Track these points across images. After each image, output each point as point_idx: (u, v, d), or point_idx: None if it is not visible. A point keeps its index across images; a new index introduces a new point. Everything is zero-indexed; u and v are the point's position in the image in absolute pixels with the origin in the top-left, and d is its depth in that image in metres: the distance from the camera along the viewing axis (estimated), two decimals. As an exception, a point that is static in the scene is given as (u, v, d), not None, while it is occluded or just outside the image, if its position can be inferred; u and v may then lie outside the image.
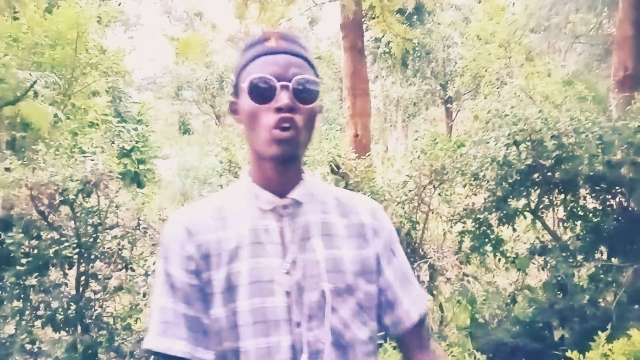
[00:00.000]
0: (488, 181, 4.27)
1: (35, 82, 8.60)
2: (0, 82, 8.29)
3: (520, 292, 4.42)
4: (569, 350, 2.99)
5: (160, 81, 25.24)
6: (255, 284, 0.99)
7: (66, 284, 3.72)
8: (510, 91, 10.55)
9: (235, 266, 1.00)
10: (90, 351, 3.57)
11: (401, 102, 19.53)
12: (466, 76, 16.66)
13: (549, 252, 4.27)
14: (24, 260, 3.52)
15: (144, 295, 3.72)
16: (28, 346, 3.55)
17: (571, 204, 4.36)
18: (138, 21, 28.63)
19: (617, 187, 4.17)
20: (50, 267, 3.70)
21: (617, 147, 3.98)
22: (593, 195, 4.33)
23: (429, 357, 1.16)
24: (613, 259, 4.24)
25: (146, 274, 3.77)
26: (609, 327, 3.29)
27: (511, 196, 4.26)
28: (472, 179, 4.41)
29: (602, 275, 4.10)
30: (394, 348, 3.32)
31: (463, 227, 4.58)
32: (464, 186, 4.57)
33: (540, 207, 4.39)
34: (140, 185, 14.73)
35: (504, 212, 4.32)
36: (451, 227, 4.72)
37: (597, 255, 4.28)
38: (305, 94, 1.00)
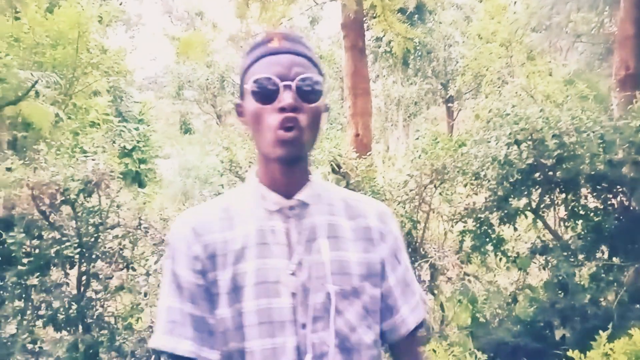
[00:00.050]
0: (489, 180, 4.27)
1: (36, 82, 8.61)
2: (2, 82, 8.31)
3: (522, 292, 4.42)
4: (570, 350, 2.99)
5: (162, 81, 25.27)
6: (261, 284, 0.99)
7: (67, 284, 3.73)
8: (512, 90, 10.55)
9: (241, 267, 1.00)
10: (91, 351, 3.57)
11: (402, 101, 19.53)
12: (467, 75, 16.64)
13: (550, 251, 4.27)
14: (25, 260, 3.53)
15: (145, 294, 3.72)
16: (29, 346, 3.56)
17: (572, 203, 4.36)
18: (139, 21, 28.64)
19: (618, 187, 4.17)
20: (52, 267, 3.70)
21: (619, 147, 3.97)
22: (594, 194, 4.32)
23: None
24: (614, 259, 4.23)
25: (147, 274, 3.78)
26: (610, 326, 3.29)
27: (512, 195, 4.25)
28: (473, 178, 4.41)
29: (603, 275, 4.09)
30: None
31: (464, 226, 4.57)
32: (465, 185, 4.56)
33: (542, 206, 4.39)
34: (141, 184, 14.75)
35: (505, 211, 4.32)
36: (452, 226, 4.72)
37: (599, 255, 4.28)
38: (308, 93, 0.99)
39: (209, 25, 27.19)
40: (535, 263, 4.49)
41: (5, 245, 3.46)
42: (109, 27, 15.81)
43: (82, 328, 3.67)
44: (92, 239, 3.73)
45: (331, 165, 4.59)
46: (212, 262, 1.01)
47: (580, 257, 4.20)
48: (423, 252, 4.47)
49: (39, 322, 3.64)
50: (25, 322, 3.56)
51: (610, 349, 2.97)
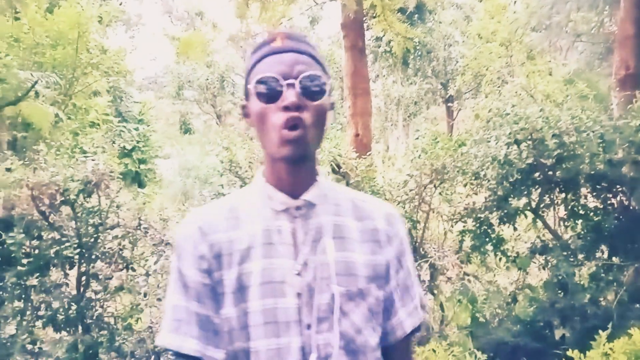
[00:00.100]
0: (489, 180, 4.27)
1: (36, 82, 8.61)
2: (2, 82, 8.31)
3: (521, 291, 4.42)
4: (570, 350, 2.99)
5: (161, 81, 25.27)
6: (266, 284, 0.99)
7: (67, 284, 3.73)
8: (512, 90, 10.53)
9: (246, 266, 1.00)
10: (91, 351, 3.57)
11: (402, 101, 19.52)
12: (467, 75, 16.64)
13: (549, 251, 4.26)
14: (25, 261, 3.53)
15: (145, 295, 3.72)
16: (29, 346, 3.56)
17: (572, 203, 4.36)
18: (139, 21, 28.63)
19: (618, 186, 4.17)
20: (51, 267, 3.70)
21: (619, 146, 3.97)
22: (594, 194, 4.32)
23: None
24: (614, 258, 4.23)
25: (147, 274, 3.78)
26: (609, 326, 3.29)
27: (512, 195, 4.25)
28: (473, 178, 4.41)
29: (603, 274, 4.09)
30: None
31: (464, 226, 4.57)
32: (465, 185, 4.56)
33: (541, 206, 4.39)
34: (141, 185, 14.75)
35: (505, 211, 4.32)
36: (452, 226, 4.71)
37: (598, 254, 4.28)
38: (312, 91, 0.99)
39: (209, 25, 27.19)
40: (535, 263, 4.49)
41: (5, 246, 3.46)
42: (108, 27, 15.81)
43: (82, 328, 3.67)
44: (92, 240, 3.74)
45: (331, 165, 4.59)
46: (218, 261, 1.01)
47: (580, 256, 4.20)
48: (423, 252, 4.47)
49: (39, 323, 3.64)
50: (24, 323, 3.56)
51: (610, 348, 2.97)
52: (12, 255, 3.45)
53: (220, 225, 1.04)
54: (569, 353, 2.97)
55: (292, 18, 11.26)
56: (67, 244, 3.59)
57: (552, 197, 4.41)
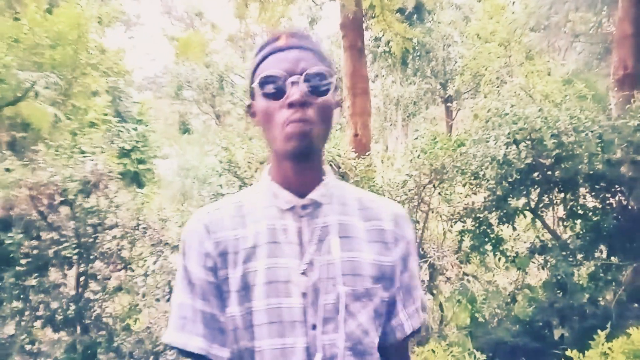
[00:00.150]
0: (488, 180, 4.27)
1: (35, 82, 8.61)
2: (1, 82, 8.30)
3: (520, 291, 4.42)
4: (569, 349, 2.99)
5: (160, 81, 25.27)
6: (271, 283, 0.98)
7: (65, 285, 3.73)
8: (510, 90, 10.55)
9: (251, 265, 1.00)
10: (89, 351, 3.57)
11: (401, 101, 19.51)
12: (466, 75, 16.64)
13: (548, 251, 4.27)
14: (23, 261, 3.53)
15: (143, 295, 3.72)
16: (28, 346, 3.56)
17: (571, 203, 4.36)
18: (138, 21, 28.65)
19: (616, 186, 4.17)
20: (50, 268, 3.70)
21: (617, 146, 3.98)
22: (593, 194, 4.32)
23: None
24: (613, 258, 4.23)
25: (145, 275, 3.78)
26: (608, 325, 3.29)
27: (511, 195, 4.26)
28: (472, 178, 4.41)
29: (601, 274, 4.09)
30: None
31: (463, 226, 4.57)
32: (464, 185, 4.56)
33: (540, 206, 4.39)
34: (140, 185, 14.73)
35: (504, 211, 4.32)
36: (451, 226, 4.72)
37: (597, 254, 4.28)
38: (316, 87, 0.99)
39: (208, 26, 27.21)
40: (534, 263, 4.49)
41: (4, 246, 3.46)
42: (108, 27, 15.80)
43: (80, 329, 3.66)
44: (91, 240, 3.73)
45: (330, 165, 4.58)
46: (223, 259, 1.01)
47: (579, 256, 4.20)
48: (422, 252, 4.47)
49: (37, 323, 3.64)
50: (23, 323, 3.56)
51: (609, 348, 2.97)
52: (11, 255, 3.45)
53: (226, 223, 1.03)
54: (568, 353, 2.97)
55: (291, 18, 11.26)
56: (65, 244, 3.59)
57: (551, 197, 4.41)
